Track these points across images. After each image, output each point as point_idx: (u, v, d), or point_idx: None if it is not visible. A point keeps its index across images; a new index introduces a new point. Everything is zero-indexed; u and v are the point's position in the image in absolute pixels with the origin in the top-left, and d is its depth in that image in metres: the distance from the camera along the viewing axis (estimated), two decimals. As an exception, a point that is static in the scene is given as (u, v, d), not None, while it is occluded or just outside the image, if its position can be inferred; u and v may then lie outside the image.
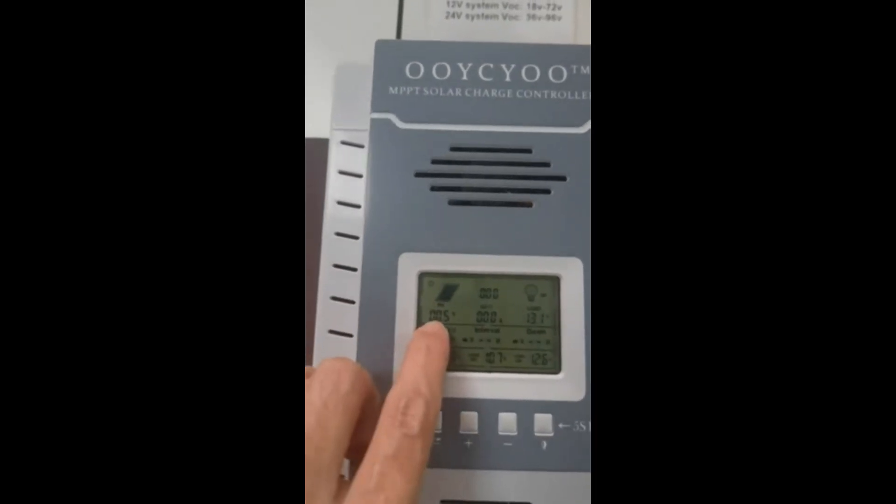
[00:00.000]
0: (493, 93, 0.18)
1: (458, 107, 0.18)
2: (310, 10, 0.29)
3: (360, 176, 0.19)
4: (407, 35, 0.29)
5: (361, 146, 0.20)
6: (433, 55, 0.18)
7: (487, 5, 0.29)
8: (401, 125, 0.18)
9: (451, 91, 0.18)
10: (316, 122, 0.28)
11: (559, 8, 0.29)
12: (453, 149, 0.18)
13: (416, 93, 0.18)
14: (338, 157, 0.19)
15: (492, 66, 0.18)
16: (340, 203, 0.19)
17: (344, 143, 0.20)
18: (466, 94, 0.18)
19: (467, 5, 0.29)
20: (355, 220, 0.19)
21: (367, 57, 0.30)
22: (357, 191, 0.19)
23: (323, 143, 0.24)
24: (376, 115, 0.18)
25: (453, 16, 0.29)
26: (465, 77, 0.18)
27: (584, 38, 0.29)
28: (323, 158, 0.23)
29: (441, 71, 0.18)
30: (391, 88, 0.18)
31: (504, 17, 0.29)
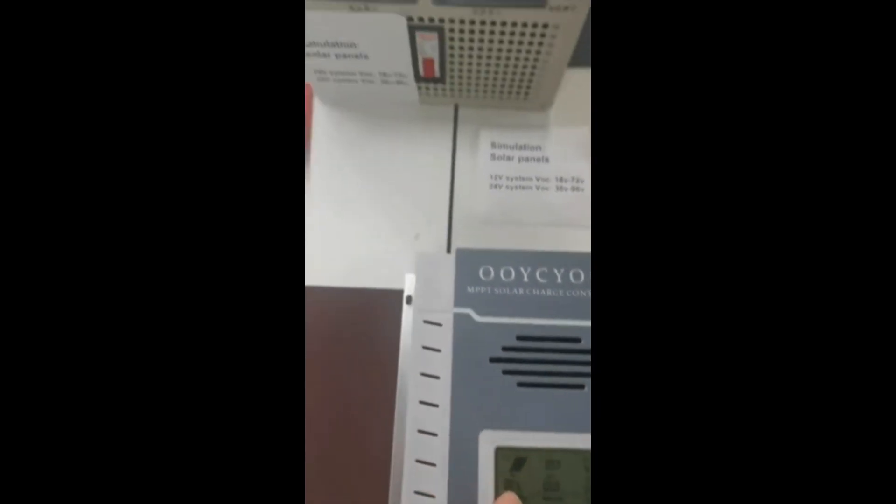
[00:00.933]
0: (548, 292, 0.23)
1: (522, 304, 0.23)
2: (383, 183, 0.36)
3: (439, 351, 0.24)
4: (458, 200, 0.36)
5: (440, 325, 0.24)
6: (500, 261, 0.24)
7: (523, 178, 0.36)
8: (477, 318, 0.23)
9: (515, 290, 0.23)
10: (387, 276, 0.33)
11: (581, 181, 0.36)
12: (519, 338, 0.23)
13: (489, 292, 0.23)
14: (421, 335, 0.24)
15: (546, 270, 0.24)
16: (424, 375, 0.24)
17: (426, 322, 0.24)
18: (527, 293, 0.23)
19: (507, 178, 0.36)
20: (436, 390, 0.23)
21: (424, 219, 0.36)
22: (436, 363, 0.24)
23: (397, 294, 0.29)
24: (458, 310, 0.23)
25: (496, 187, 0.36)
26: (525, 279, 0.23)
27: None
28: (398, 306, 0.28)
29: (507, 274, 0.24)
30: (469, 288, 0.23)
31: (537, 189, 0.36)
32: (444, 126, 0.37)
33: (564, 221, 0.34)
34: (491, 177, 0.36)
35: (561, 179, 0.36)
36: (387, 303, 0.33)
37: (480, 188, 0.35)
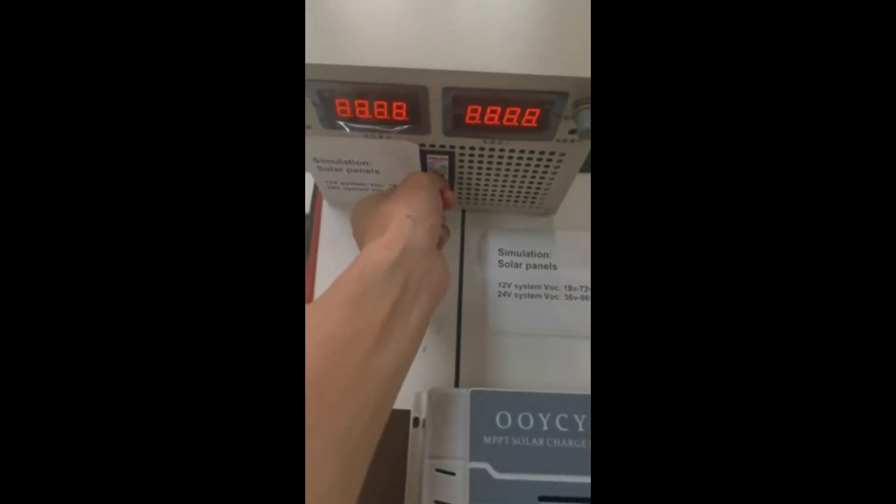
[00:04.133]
0: (570, 443, 0.22)
1: (543, 457, 0.22)
2: None
3: (453, 505, 0.22)
4: (466, 307, 0.35)
5: (454, 474, 0.23)
6: (518, 406, 0.23)
7: (532, 286, 0.35)
8: (496, 475, 0.21)
9: (535, 441, 0.22)
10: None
11: (590, 290, 0.35)
12: (541, 498, 0.21)
13: (506, 443, 0.22)
14: (433, 486, 0.22)
15: (566, 416, 0.22)
16: (437, 535, 0.22)
17: (439, 470, 0.23)
18: (548, 443, 0.22)
19: (515, 286, 0.35)
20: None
21: (432, 329, 0.34)
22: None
23: (404, 414, 0.28)
24: (474, 465, 0.22)
25: (504, 294, 0.35)
26: (545, 427, 0.22)
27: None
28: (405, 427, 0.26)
29: (525, 421, 0.22)
30: (485, 438, 0.22)
31: (546, 297, 0.35)
32: (451, 230, 0.37)
33: (574, 332, 0.34)
34: (499, 284, 0.35)
35: (570, 288, 0.35)
36: (392, 423, 0.31)
37: (489, 296, 0.35)
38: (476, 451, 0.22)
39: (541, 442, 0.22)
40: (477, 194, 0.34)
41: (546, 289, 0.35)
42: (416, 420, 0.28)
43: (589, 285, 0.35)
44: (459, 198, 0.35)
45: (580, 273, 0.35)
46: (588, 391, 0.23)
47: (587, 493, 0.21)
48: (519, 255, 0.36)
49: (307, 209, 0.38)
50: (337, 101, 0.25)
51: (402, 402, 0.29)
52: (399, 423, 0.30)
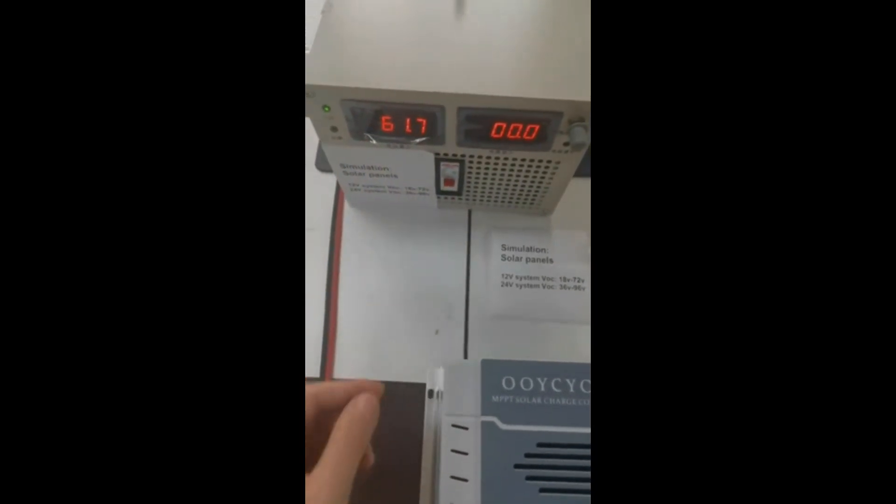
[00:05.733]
0: (562, 401, 0.27)
1: (541, 412, 0.26)
2: (404, 280, 0.40)
3: (466, 454, 0.27)
4: (473, 297, 0.39)
5: (467, 429, 0.27)
6: (520, 372, 0.27)
7: (531, 277, 0.40)
8: (502, 426, 0.26)
9: (534, 399, 0.27)
10: (408, 370, 0.36)
11: (582, 280, 0.40)
12: (539, 445, 0.26)
13: (511, 401, 0.26)
14: (450, 439, 0.27)
15: (560, 380, 0.27)
16: (454, 477, 0.26)
17: (455, 426, 0.27)
18: (545, 402, 0.26)
19: (517, 277, 0.40)
20: (465, 493, 0.25)
21: (443, 315, 0.39)
22: (464, 466, 0.26)
23: (419, 387, 0.32)
24: (485, 418, 0.26)
25: (506, 284, 0.40)
26: (542, 388, 0.27)
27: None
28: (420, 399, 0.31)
29: (526, 384, 0.27)
30: (494, 397, 0.27)
31: (543, 287, 0.40)
32: (459, 229, 0.42)
33: (568, 318, 0.38)
34: (502, 276, 0.40)
35: (564, 279, 0.40)
36: (409, 396, 0.35)
37: (493, 286, 0.39)
38: (486, 408, 0.26)
39: (539, 400, 0.26)
40: (483, 196, 0.39)
41: (543, 280, 0.39)
42: (431, 392, 0.33)
43: (581, 276, 0.40)
44: (467, 199, 0.40)
45: (574, 266, 0.40)
46: (577, 361, 0.28)
47: (575, 441, 0.25)
48: (520, 250, 0.40)
49: (330, 210, 0.42)
50: (366, 117, 0.30)
51: (419, 376, 0.34)
52: (416, 395, 0.34)
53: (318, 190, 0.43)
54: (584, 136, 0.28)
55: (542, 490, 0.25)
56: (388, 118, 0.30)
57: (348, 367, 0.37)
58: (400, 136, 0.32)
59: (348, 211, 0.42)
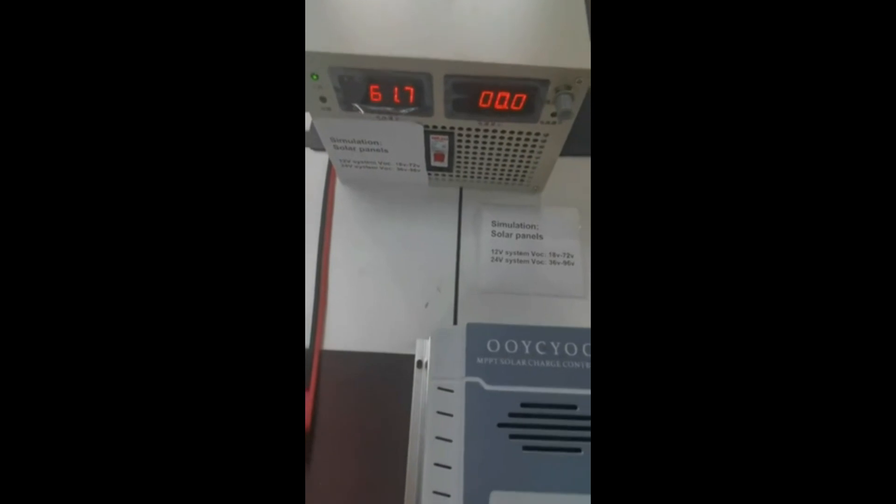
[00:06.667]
0: (547, 363, 0.27)
1: (525, 374, 0.26)
2: (395, 255, 0.40)
3: (451, 415, 0.27)
4: (463, 272, 0.40)
5: (452, 391, 0.27)
6: (505, 335, 0.28)
7: (521, 253, 0.40)
8: (486, 387, 0.26)
9: (519, 362, 0.27)
10: (398, 342, 0.37)
11: (572, 256, 0.40)
12: (523, 405, 0.26)
13: (496, 363, 0.27)
14: (435, 400, 0.27)
15: (544, 343, 0.27)
16: (439, 438, 0.26)
17: (440, 388, 0.28)
18: (529, 364, 0.27)
19: (507, 253, 0.40)
20: (449, 453, 0.26)
21: (433, 288, 0.39)
22: (449, 427, 0.26)
23: (409, 358, 0.33)
24: (469, 379, 0.27)
25: (496, 260, 0.40)
26: (527, 351, 0.27)
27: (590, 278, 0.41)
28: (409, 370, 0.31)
29: (511, 346, 0.27)
30: (478, 359, 0.27)
31: (532, 262, 0.40)
32: (450, 205, 0.42)
33: (557, 292, 0.39)
34: (492, 251, 0.40)
35: (553, 255, 0.40)
36: (399, 367, 0.36)
37: (483, 261, 0.40)
38: (471, 369, 0.27)
39: (523, 363, 0.27)
40: (473, 172, 0.39)
41: (533, 255, 0.40)
42: (420, 363, 0.33)
43: (571, 252, 0.40)
44: (458, 176, 0.40)
45: (562, 242, 0.40)
46: (560, 326, 0.28)
47: (559, 401, 0.26)
48: (510, 226, 0.41)
49: (322, 186, 0.42)
50: (354, 86, 0.30)
51: (409, 348, 0.34)
52: (404, 366, 0.35)
53: (309, 168, 0.43)
54: (570, 103, 0.29)
55: (526, 448, 0.25)
56: (376, 87, 0.30)
57: (339, 339, 0.37)
58: (388, 105, 0.32)
59: (340, 189, 0.43)
